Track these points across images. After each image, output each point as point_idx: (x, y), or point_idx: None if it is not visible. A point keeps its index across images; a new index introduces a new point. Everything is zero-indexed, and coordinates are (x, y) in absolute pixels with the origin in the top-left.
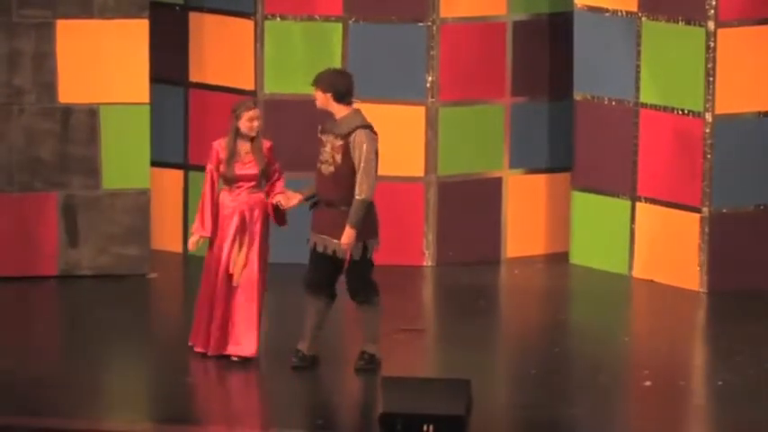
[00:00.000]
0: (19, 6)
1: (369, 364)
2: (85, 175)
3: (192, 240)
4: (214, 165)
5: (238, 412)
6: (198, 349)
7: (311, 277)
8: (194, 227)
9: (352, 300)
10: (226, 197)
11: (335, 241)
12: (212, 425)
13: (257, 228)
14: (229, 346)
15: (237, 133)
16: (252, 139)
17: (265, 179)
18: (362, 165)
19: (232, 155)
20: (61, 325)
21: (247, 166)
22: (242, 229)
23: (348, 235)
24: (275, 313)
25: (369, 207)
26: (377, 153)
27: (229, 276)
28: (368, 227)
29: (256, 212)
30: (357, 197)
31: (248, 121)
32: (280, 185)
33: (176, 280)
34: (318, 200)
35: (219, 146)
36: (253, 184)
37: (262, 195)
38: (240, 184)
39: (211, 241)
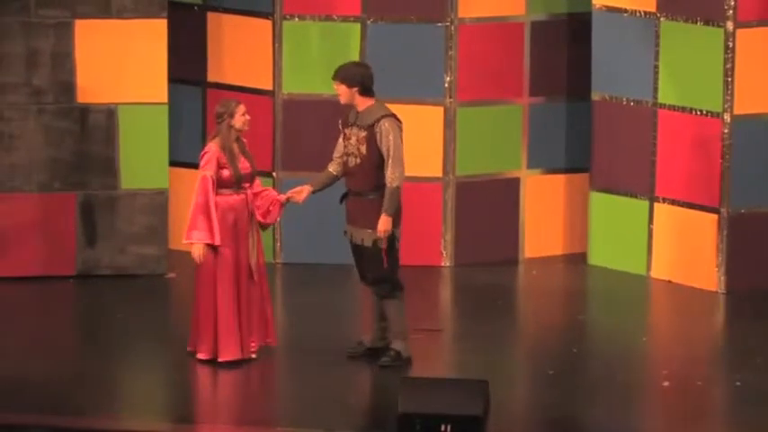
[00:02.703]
0: (37, 6)
1: (395, 361)
2: (104, 174)
3: (198, 251)
4: (214, 171)
5: (255, 411)
6: (225, 357)
7: (357, 269)
8: (197, 235)
9: (375, 293)
10: (231, 199)
11: (369, 231)
12: (227, 424)
13: (255, 224)
14: (268, 339)
15: (232, 132)
16: (237, 139)
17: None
18: (392, 153)
19: (233, 156)
20: (79, 324)
21: (245, 165)
22: (254, 227)
23: (384, 222)
24: (285, 312)
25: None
26: (402, 141)
27: (251, 275)
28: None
29: (252, 209)
30: (391, 185)
31: (242, 116)
32: (259, 184)
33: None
34: (347, 191)
35: (216, 151)
36: (249, 183)
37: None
38: (243, 184)
39: (213, 248)
